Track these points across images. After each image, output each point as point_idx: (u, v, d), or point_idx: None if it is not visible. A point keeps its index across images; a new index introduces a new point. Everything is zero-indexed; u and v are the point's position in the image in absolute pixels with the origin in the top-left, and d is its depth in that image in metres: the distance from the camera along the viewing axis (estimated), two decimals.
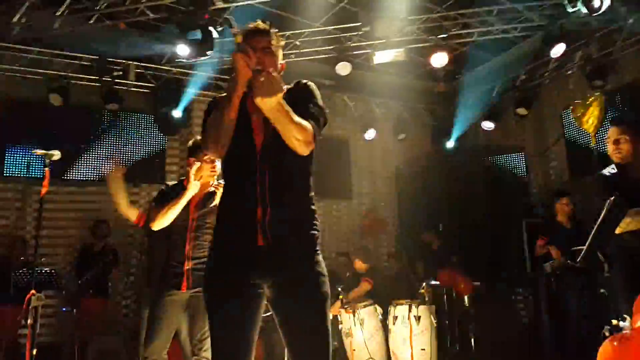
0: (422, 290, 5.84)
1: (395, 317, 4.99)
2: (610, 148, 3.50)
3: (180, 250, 3.29)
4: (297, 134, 1.86)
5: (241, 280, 1.92)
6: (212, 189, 3.42)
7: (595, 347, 5.06)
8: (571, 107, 6.73)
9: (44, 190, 2.87)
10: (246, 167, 1.95)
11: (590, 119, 6.52)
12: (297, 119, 1.86)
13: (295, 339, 1.93)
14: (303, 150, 1.92)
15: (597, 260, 3.17)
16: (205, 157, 3.32)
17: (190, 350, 3.25)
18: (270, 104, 1.77)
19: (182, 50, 5.74)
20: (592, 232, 3.07)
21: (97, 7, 5.78)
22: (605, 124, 6.48)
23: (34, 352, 2.64)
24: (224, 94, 2.00)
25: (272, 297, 1.96)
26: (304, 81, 2.11)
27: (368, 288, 5.71)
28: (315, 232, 1.99)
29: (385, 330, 5.12)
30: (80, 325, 5.49)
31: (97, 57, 6.61)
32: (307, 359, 1.91)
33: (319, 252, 2.00)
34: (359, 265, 5.91)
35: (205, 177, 3.36)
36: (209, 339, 3.14)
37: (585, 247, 3.09)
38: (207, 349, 3.19)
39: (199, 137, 3.35)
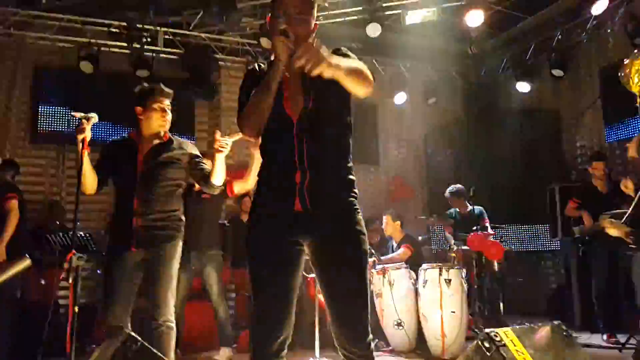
0: (453, 254, 5.84)
1: (426, 281, 4.98)
2: None
3: (128, 206, 3.03)
4: (357, 82, 1.88)
5: (280, 239, 1.94)
6: (162, 139, 3.18)
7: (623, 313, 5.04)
8: (619, 66, 6.45)
9: (81, 151, 2.84)
10: (283, 137, 1.95)
11: (637, 78, 6.25)
12: (351, 66, 1.86)
13: (336, 294, 1.95)
14: (366, 91, 1.93)
15: None
16: (154, 105, 3.11)
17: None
18: (320, 72, 1.75)
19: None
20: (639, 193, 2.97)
21: None
22: None
23: (76, 309, 2.68)
24: (265, 63, 2.04)
25: (312, 254, 1.99)
26: (344, 49, 2.07)
27: (408, 254, 5.68)
28: (354, 198, 2.02)
29: (416, 293, 5.12)
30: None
31: (126, 24, 6.60)
32: (346, 313, 1.93)
33: (359, 211, 2.02)
34: (391, 226, 5.89)
35: (155, 126, 3.13)
36: (169, 304, 3.00)
37: (631, 208, 3.00)
38: (166, 314, 3.00)
39: (145, 85, 3.22)
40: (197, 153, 3.30)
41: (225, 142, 2.94)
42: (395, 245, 5.93)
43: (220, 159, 3.00)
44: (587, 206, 5.31)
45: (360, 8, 6.61)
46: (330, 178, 1.97)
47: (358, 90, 1.91)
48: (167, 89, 3.22)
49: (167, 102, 3.19)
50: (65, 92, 6.85)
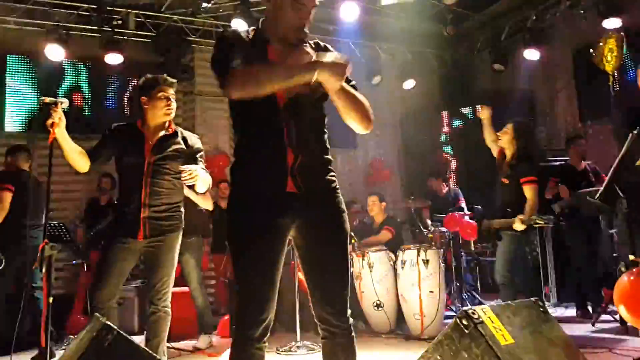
0: (430, 235, 5.90)
1: (404, 262, 5.01)
2: None
3: (136, 197, 3.06)
4: (360, 117, 1.96)
5: (269, 222, 1.93)
6: (168, 131, 3.19)
7: (596, 286, 5.18)
8: (591, 50, 6.52)
9: (51, 138, 2.77)
10: (271, 119, 1.92)
11: (610, 57, 6.33)
12: (361, 99, 1.96)
13: (322, 271, 1.99)
14: (365, 127, 2.00)
15: (616, 196, 3.13)
16: (159, 94, 3.11)
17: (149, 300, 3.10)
18: (335, 86, 1.83)
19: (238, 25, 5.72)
20: (614, 166, 3.02)
21: None
22: (624, 62, 6.34)
23: (50, 300, 2.63)
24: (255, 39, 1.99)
25: (298, 235, 2.00)
26: (323, 44, 2.08)
27: (389, 237, 5.69)
28: (335, 179, 2.06)
29: (395, 275, 5.16)
30: (91, 276, 5.56)
31: (96, 6, 6.41)
32: (331, 289, 1.97)
33: (339, 191, 2.05)
34: (378, 206, 5.90)
35: (160, 115, 3.14)
36: (168, 291, 3.11)
37: (605, 183, 3.05)
38: (165, 300, 3.09)
39: (149, 76, 3.19)
40: (200, 147, 3.32)
41: (192, 173, 2.93)
42: (376, 227, 5.95)
43: (197, 187, 3.07)
44: (565, 184, 5.41)
45: None
46: (316, 159, 2.00)
47: (358, 124, 1.99)
48: (170, 79, 3.22)
49: (171, 91, 3.18)
50: (33, 78, 6.65)
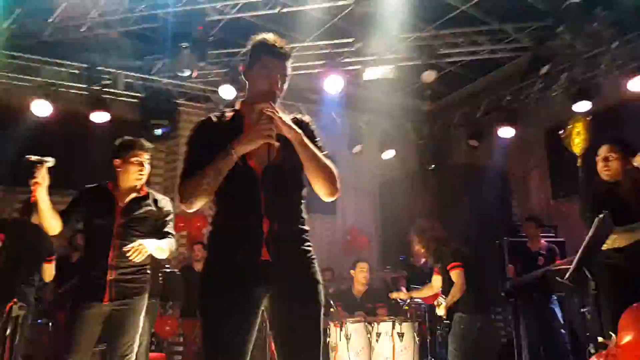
0: (406, 307, 5.86)
1: (379, 334, 4.97)
2: (599, 165, 3.59)
3: (104, 258, 3.03)
4: (324, 181, 2.02)
5: (244, 293, 1.93)
6: (140, 193, 3.21)
7: None
8: (562, 130, 6.84)
9: (33, 197, 2.78)
10: (247, 189, 1.98)
11: (577, 140, 6.64)
12: (325, 162, 2.04)
13: (291, 343, 1.96)
14: (328, 192, 2.05)
15: (584, 277, 3.21)
16: (132, 159, 3.14)
17: None
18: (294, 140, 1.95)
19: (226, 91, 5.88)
20: (581, 249, 3.12)
21: (90, 15, 5.75)
22: (592, 145, 6.62)
23: None
24: (220, 114, 2.10)
25: (272, 305, 1.99)
26: (305, 118, 2.19)
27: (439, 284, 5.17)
28: (311, 248, 2.08)
29: (370, 348, 5.08)
30: (56, 338, 5.35)
31: (87, 66, 6.55)
32: None
33: (315, 261, 2.07)
34: (364, 275, 5.81)
35: (132, 180, 3.16)
36: (132, 356, 3.05)
37: (573, 264, 3.13)
38: None
39: (127, 138, 3.25)
40: (170, 211, 3.32)
41: (139, 250, 2.94)
42: (358, 297, 5.87)
43: (155, 255, 3.09)
44: (522, 264, 5.59)
45: (322, 62, 6.80)
46: (292, 228, 2.03)
47: (322, 188, 2.03)
48: (147, 143, 3.27)
49: (145, 156, 3.22)
50: (19, 134, 6.63)
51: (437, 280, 5.02)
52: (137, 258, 2.93)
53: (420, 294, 5.38)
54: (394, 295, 5.58)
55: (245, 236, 1.96)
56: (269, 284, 1.95)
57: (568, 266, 3.38)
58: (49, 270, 4.79)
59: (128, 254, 2.91)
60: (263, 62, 2.04)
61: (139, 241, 2.96)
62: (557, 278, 4.25)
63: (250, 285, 1.93)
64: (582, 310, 5.76)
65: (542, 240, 5.93)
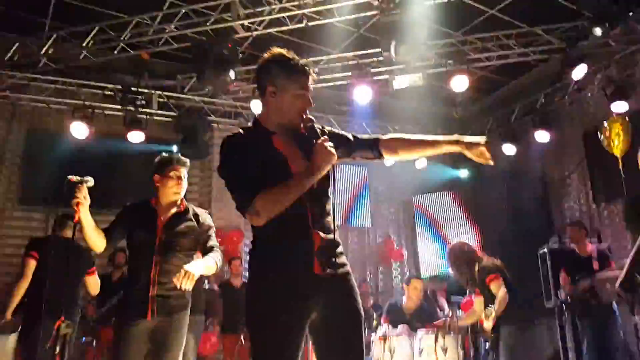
0: (451, 325, 5.70)
1: (421, 350, 4.86)
2: None
3: (146, 274, 3.04)
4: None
5: (298, 307, 1.95)
6: (180, 208, 3.22)
7: None
8: (599, 130, 6.65)
9: (76, 217, 2.83)
10: (293, 205, 1.97)
11: (617, 141, 6.42)
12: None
13: (337, 357, 1.98)
14: None
15: (637, 284, 3.09)
16: (171, 173, 3.17)
17: None
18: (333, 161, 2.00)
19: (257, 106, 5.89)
20: (632, 255, 3.01)
21: (122, 37, 5.91)
22: (634, 145, 6.41)
23: None
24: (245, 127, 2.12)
25: (319, 319, 2.00)
26: (328, 130, 2.22)
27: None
28: (346, 261, 2.11)
29: None
30: (100, 355, 5.43)
31: (121, 87, 6.73)
32: None
33: (351, 273, 2.11)
34: (418, 293, 5.65)
35: (170, 194, 3.18)
36: None
37: (624, 270, 3.02)
38: None
39: (165, 154, 3.28)
40: (211, 224, 3.35)
41: (187, 276, 2.91)
42: (409, 312, 5.77)
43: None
44: (570, 270, 5.37)
45: (349, 73, 6.81)
46: (336, 242, 2.05)
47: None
48: (183, 158, 3.31)
49: (183, 171, 3.26)
50: (58, 155, 6.85)
51: (479, 303, 4.80)
52: (187, 285, 2.90)
53: (466, 322, 5.20)
54: (438, 323, 5.43)
55: (296, 250, 1.98)
56: (319, 297, 1.96)
57: (617, 273, 3.27)
58: (93, 283, 4.76)
59: (177, 284, 2.87)
60: (299, 82, 2.07)
61: (185, 267, 2.92)
62: (607, 286, 4.11)
63: (303, 299, 1.95)
64: (635, 318, 5.57)
65: (590, 245, 5.68)
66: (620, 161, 6.66)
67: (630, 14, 4.93)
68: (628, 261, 3.10)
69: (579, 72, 6.13)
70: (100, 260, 6.48)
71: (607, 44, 6.15)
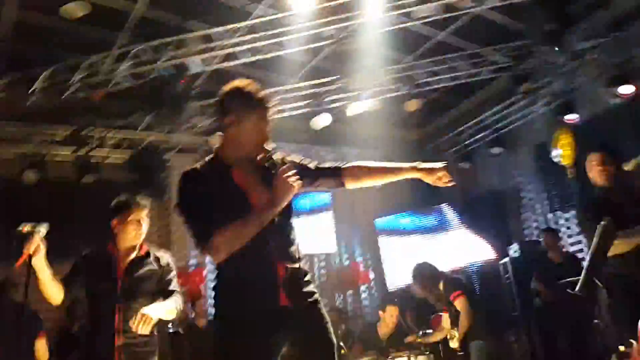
0: (420, 340, 5.74)
1: None
2: (595, 171, 3.57)
3: (108, 323, 2.90)
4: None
5: (266, 342, 1.90)
6: (140, 252, 3.13)
7: None
8: (549, 142, 6.94)
9: (18, 263, 2.67)
10: (256, 236, 1.94)
11: (566, 151, 6.72)
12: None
13: None
14: None
15: (595, 287, 3.19)
16: (130, 218, 3.06)
17: None
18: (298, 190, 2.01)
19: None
20: (588, 259, 3.11)
21: (72, 80, 5.78)
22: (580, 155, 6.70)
23: None
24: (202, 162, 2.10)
25: (290, 352, 1.95)
26: (291, 157, 2.26)
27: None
28: (315, 289, 2.08)
29: None
30: None
31: (73, 129, 6.55)
32: None
33: (321, 301, 2.08)
34: (393, 319, 5.69)
35: (130, 239, 3.08)
36: None
37: (582, 275, 3.12)
38: None
39: (122, 198, 3.18)
40: (172, 267, 3.24)
41: (144, 320, 2.80)
42: (384, 339, 5.75)
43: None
44: (543, 278, 5.49)
45: (307, 102, 6.88)
46: (302, 271, 2.02)
47: None
48: (143, 201, 3.21)
49: (143, 214, 3.15)
50: (7, 205, 6.56)
51: (446, 320, 4.89)
52: (144, 330, 2.78)
53: (435, 338, 5.23)
54: (407, 339, 5.44)
55: (260, 283, 1.94)
56: (287, 329, 1.92)
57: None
58: (41, 349, 4.43)
59: (134, 328, 2.76)
60: (257, 114, 2.07)
61: (142, 310, 2.81)
62: (568, 290, 4.22)
63: (270, 334, 1.90)
64: (594, 321, 5.74)
65: (563, 250, 5.86)
66: (569, 170, 6.96)
67: (571, 30, 5.20)
68: (585, 266, 3.20)
69: (527, 88, 6.39)
70: (54, 313, 6.20)
71: (551, 61, 6.45)
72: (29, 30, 5.43)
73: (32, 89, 5.76)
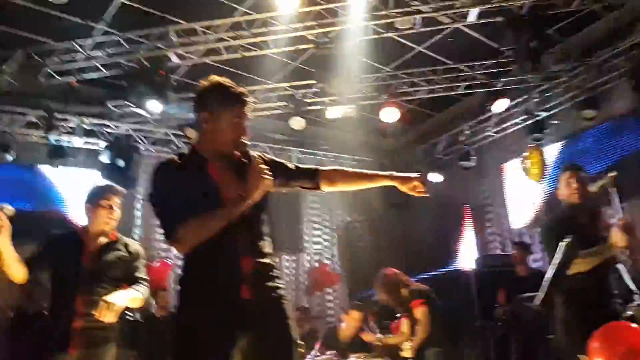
0: (379, 343, 5.81)
1: None
2: (567, 190, 3.62)
3: (69, 306, 2.89)
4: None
5: (227, 335, 1.91)
6: (110, 238, 3.13)
7: None
8: (519, 159, 7.11)
9: None
10: (223, 231, 1.96)
11: (534, 169, 6.91)
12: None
13: None
14: None
15: (554, 303, 3.29)
16: (102, 202, 3.08)
17: None
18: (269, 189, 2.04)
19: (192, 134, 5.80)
20: (550, 275, 3.20)
21: (46, 63, 5.70)
22: (550, 174, 6.92)
23: None
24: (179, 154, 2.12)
25: (249, 346, 1.95)
26: (268, 158, 2.26)
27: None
28: (281, 284, 2.09)
29: None
30: None
31: (45, 114, 6.44)
32: None
33: (286, 298, 2.09)
34: (356, 323, 5.73)
35: (101, 223, 3.08)
36: None
37: (543, 289, 3.20)
38: None
39: (99, 184, 3.24)
40: (141, 254, 3.25)
41: (108, 308, 2.80)
42: (346, 342, 5.79)
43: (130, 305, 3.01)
44: (507, 290, 5.62)
45: (285, 103, 6.90)
46: (266, 264, 2.04)
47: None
48: (118, 187, 3.25)
49: (116, 200, 3.17)
50: None
51: (405, 326, 4.98)
52: (108, 318, 2.77)
53: (393, 341, 5.32)
54: (365, 337, 5.51)
55: (223, 276, 1.95)
56: (248, 323, 1.93)
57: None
58: None
59: (97, 316, 2.75)
60: (236, 111, 2.08)
61: (107, 298, 2.79)
62: (526, 304, 4.34)
63: (232, 326, 1.91)
64: (548, 337, 5.89)
65: (531, 265, 5.95)
66: (537, 187, 7.16)
67: (546, 52, 5.36)
68: (547, 280, 3.28)
69: (500, 105, 6.55)
70: (9, 294, 6.08)
71: (526, 80, 6.62)
72: (8, 12, 5.33)
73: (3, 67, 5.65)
